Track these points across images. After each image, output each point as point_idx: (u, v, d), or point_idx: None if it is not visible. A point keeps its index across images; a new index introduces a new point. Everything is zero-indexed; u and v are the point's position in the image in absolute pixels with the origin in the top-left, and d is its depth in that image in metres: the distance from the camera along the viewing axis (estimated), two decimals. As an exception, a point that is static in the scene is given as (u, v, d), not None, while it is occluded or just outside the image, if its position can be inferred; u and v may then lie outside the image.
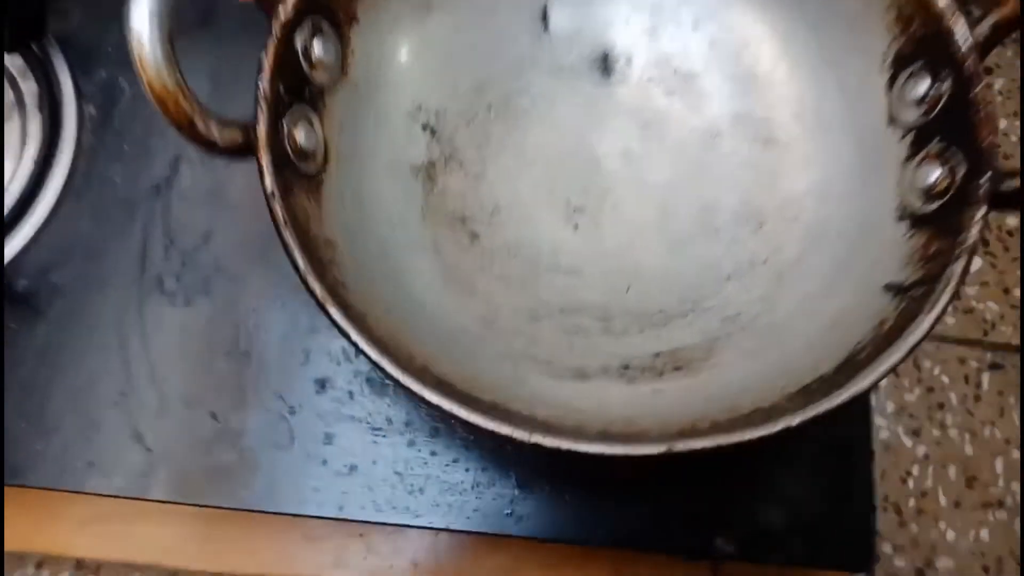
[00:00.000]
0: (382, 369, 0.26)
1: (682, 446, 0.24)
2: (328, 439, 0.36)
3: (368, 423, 0.36)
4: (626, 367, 0.31)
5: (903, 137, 0.30)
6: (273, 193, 0.27)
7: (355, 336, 0.26)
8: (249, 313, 0.37)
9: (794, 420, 0.25)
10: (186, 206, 0.39)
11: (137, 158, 0.40)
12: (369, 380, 0.37)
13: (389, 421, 0.36)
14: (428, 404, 0.25)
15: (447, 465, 0.36)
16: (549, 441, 0.25)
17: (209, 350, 0.37)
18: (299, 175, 0.29)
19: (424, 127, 0.34)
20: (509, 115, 0.34)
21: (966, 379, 0.78)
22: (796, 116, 0.33)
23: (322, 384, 0.37)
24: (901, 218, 0.29)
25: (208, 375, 0.37)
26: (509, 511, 0.35)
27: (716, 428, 0.25)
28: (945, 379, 0.77)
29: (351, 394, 0.37)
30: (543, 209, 0.34)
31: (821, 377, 0.27)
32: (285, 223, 0.27)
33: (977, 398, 0.76)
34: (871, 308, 0.28)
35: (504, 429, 0.25)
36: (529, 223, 0.34)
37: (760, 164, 0.33)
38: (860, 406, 0.36)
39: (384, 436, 0.36)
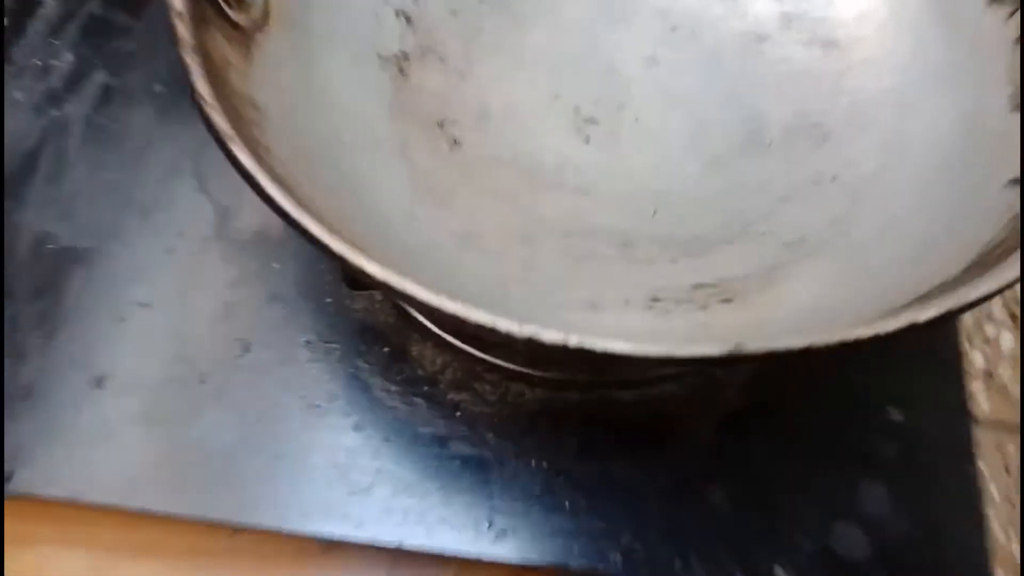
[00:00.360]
0: (308, 236, 0.17)
1: (756, 347, 0.16)
2: (245, 418, 0.27)
3: (302, 397, 0.27)
4: (655, 300, 0.22)
5: (1012, 13, 0.23)
6: (181, 13, 0.20)
7: (268, 187, 0.18)
8: (154, 253, 0.29)
9: (922, 315, 0.16)
10: (97, 135, 0.31)
11: (48, 76, 0.32)
12: (309, 343, 0.28)
13: (332, 397, 0.27)
14: (371, 283, 0.17)
15: (405, 457, 0.26)
16: (551, 335, 0.16)
17: (98, 301, 0.28)
18: (223, 17, 0.22)
19: (398, 13, 0.27)
20: (506, 9, 0.28)
21: (1007, 470, 0.69)
22: (862, 15, 0.27)
23: (246, 346, 0.28)
24: (1018, 106, 0.22)
25: (88, 329, 0.28)
26: (488, 522, 0.26)
27: (803, 334, 0.16)
28: (983, 468, 0.67)
29: (283, 359, 0.28)
30: (545, 118, 0.26)
31: (943, 284, 0.19)
32: (191, 49, 0.19)
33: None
34: (995, 207, 0.20)
35: (481, 316, 0.16)
36: (526, 133, 0.26)
37: (817, 71, 0.26)
38: (954, 397, 0.28)
39: (322, 416, 0.27)
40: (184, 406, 0.27)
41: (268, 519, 0.26)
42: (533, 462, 0.27)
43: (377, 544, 0.26)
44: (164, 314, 0.28)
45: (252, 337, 0.28)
